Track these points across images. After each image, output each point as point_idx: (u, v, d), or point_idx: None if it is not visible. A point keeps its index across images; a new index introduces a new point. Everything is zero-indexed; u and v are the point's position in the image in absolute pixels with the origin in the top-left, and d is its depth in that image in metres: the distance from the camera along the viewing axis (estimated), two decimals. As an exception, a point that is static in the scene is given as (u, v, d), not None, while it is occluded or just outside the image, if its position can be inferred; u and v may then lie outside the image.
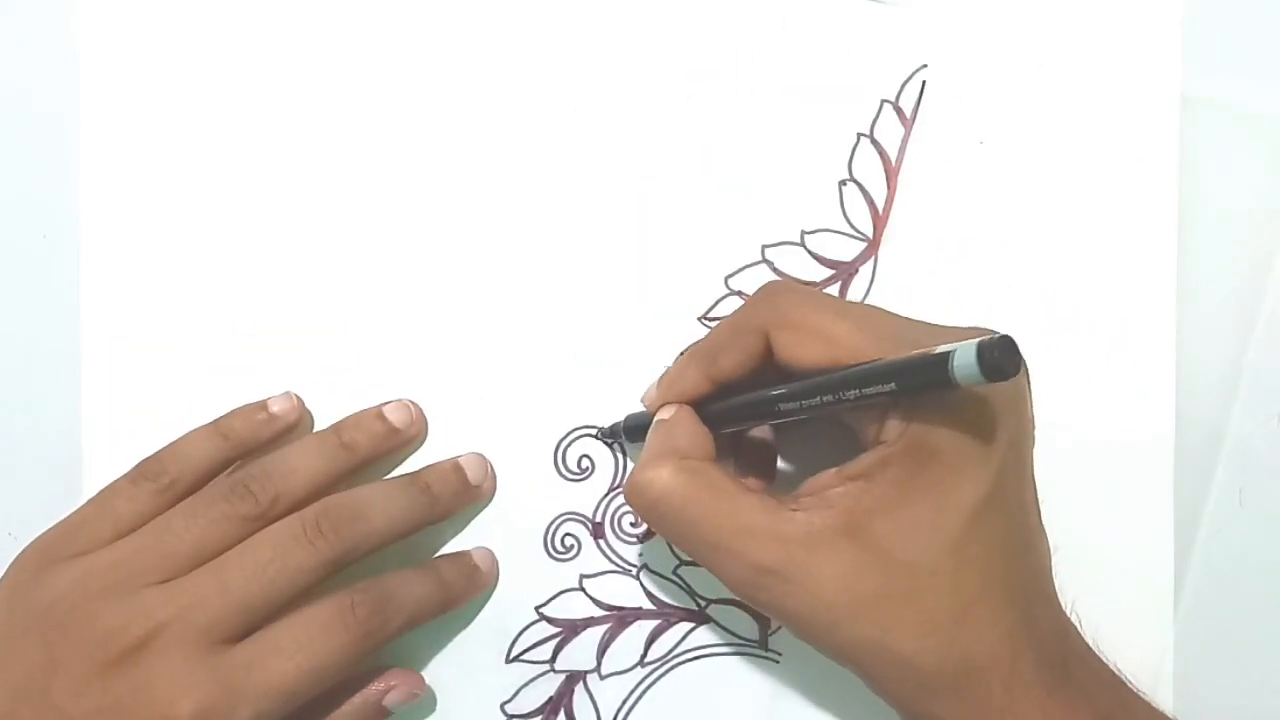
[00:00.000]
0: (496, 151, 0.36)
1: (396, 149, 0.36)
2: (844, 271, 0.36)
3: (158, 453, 0.34)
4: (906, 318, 0.30)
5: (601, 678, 0.36)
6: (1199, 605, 0.34)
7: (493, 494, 0.36)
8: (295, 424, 0.35)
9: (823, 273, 0.36)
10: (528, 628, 0.36)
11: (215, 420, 0.35)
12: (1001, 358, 0.24)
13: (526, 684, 0.36)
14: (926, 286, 0.36)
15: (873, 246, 0.36)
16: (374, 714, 0.34)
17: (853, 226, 0.36)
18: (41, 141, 0.37)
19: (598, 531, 0.36)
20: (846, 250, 0.37)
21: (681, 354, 0.35)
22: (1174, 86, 0.36)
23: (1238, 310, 0.36)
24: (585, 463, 0.36)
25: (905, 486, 0.28)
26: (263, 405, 0.35)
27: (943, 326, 0.30)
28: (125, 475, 0.34)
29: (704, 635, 0.36)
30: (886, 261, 0.36)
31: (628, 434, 0.35)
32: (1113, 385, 0.35)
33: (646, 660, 0.36)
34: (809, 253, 0.36)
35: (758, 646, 0.36)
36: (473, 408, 0.36)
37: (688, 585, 0.36)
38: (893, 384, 0.27)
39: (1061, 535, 0.33)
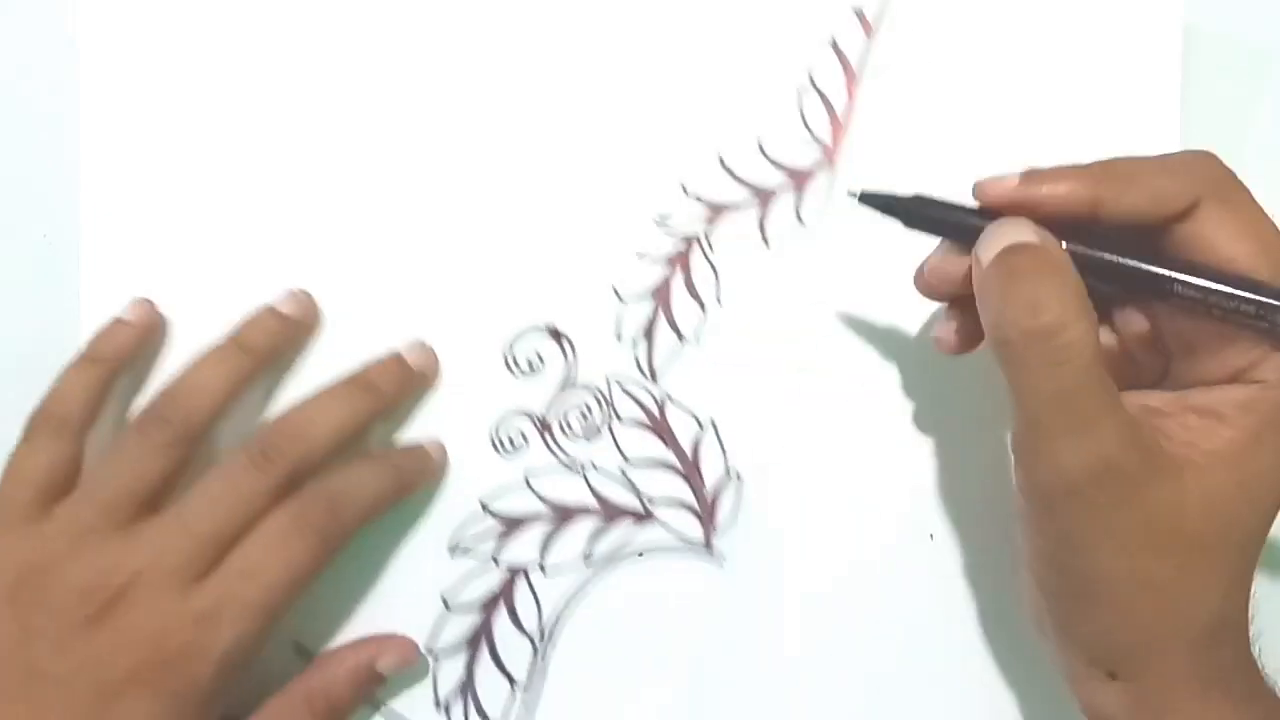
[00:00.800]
0: (452, 53, 0.36)
1: (401, 134, 0.36)
2: (800, 179, 0.37)
3: (40, 402, 0.34)
4: None
5: (544, 573, 0.36)
6: None
7: (436, 377, 0.36)
8: (155, 327, 0.35)
9: (779, 178, 0.37)
10: (471, 520, 0.36)
11: (81, 351, 0.35)
12: None
13: (468, 576, 0.36)
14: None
15: (830, 154, 0.37)
16: (367, 679, 0.34)
17: (810, 133, 0.37)
18: (41, 141, 0.37)
19: (545, 428, 0.36)
20: (803, 157, 0.37)
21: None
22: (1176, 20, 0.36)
23: None
24: (535, 360, 0.36)
25: (1257, 439, 0.27)
26: (117, 320, 0.35)
27: None
28: (20, 438, 0.34)
29: (649, 535, 0.36)
30: (845, 171, 0.36)
31: (910, 213, 0.30)
32: None
33: (589, 557, 0.36)
34: (765, 157, 0.37)
35: (702, 547, 0.36)
36: (423, 304, 0.36)
37: (634, 485, 0.36)
38: None
39: None
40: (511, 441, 0.36)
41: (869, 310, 0.36)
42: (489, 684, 0.36)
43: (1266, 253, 0.27)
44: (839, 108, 0.36)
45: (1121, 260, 0.28)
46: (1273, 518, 0.28)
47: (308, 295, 0.36)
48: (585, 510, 0.36)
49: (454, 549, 0.36)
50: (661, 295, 0.36)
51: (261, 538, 0.32)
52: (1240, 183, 0.29)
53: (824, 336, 0.36)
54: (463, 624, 0.36)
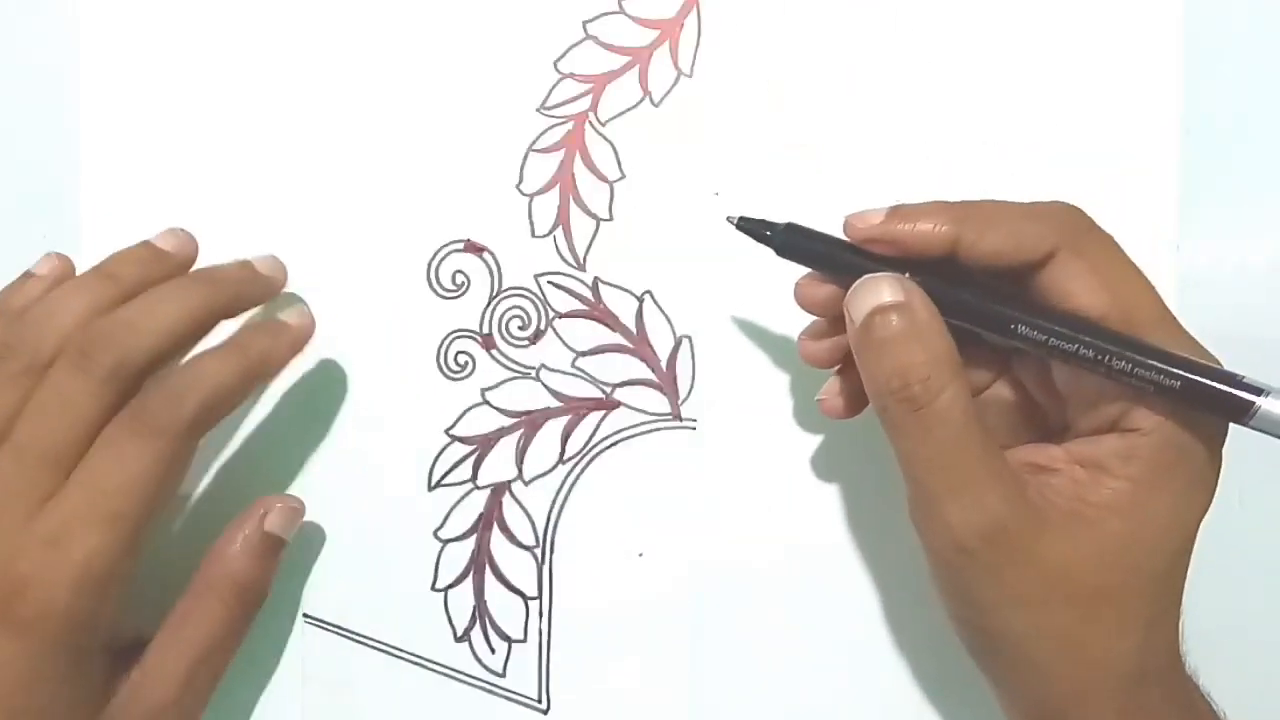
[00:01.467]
0: None
1: (401, 131, 0.36)
2: (669, 29, 0.36)
3: None
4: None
5: (525, 483, 0.36)
6: (1199, 605, 0.33)
7: (283, 285, 0.34)
8: (47, 276, 0.33)
9: (649, 34, 0.36)
10: (442, 451, 0.36)
11: None
12: None
13: (454, 506, 0.36)
14: (756, 30, 0.36)
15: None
16: (264, 544, 0.33)
17: (667, -20, 0.36)
18: (41, 141, 0.37)
19: (488, 343, 0.36)
20: (667, 7, 0.36)
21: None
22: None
23: (1237, 310, 0.35)
24: (460, 278, 0.36)
25: (1144, 487, 0.27)
26: (28, 273, 0.33)
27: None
28: None
29: (617, 420, 0.36)
30: (709, 10, 0.36)
31: (783, 243, 0.30)
32: None
33: (566, 457, 0.36)
34: (629, 18, 0.36)
35: (671, 418, 0.36)
36: (339, 236, 0.36)
37: (590, 375, 0.36)
38: (1179, 382, 0.26)
39: None
40: (459, 363, 0.36)
41: (766, 149, 0.36)
42: (502, 605, 0.36)
43: (1118, 304, 0.27)
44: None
45: (966, 297, 0.28)
46: (1178, 559, 0.28)
47: (188, 233, 0.34)
48: (549, 412, 0.36)
49: (434, 484, 0.36)
50: (565, 181, 0.36)
51: (100, 447, 0.29)
52: (1104, 235, 0.29)
53: (730, 177, 0.36)
54: (461, 553, 0.36)
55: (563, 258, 0.36)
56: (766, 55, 0.36)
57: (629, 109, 0.36)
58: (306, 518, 0.35)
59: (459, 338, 0.36)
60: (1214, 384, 0.26)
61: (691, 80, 0.36)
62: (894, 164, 0.36)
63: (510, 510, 0.36)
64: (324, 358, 0.36)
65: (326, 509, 0.36)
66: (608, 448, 0.36)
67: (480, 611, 0.36)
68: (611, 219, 0.36)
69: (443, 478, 0.36)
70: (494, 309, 0.36)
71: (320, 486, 0.36)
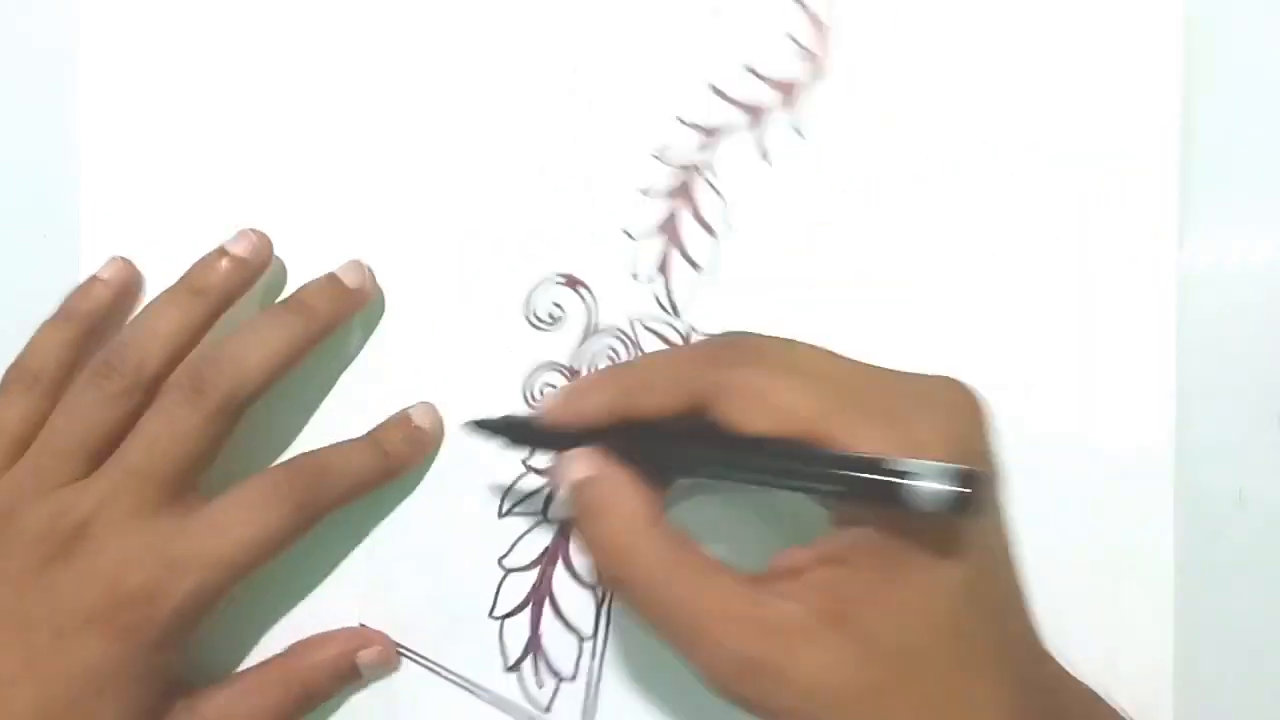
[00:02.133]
0: (443, 10, 0.36)
1: (401, 130, 0.37)
2: (793, 91, 0.36)
3: (16, 358, 0.35)
4: (874, 370, 0.28)
5: (595, 522, 0.36)
6: (1199, 605, 0.34)
7: (374, 294, 0.36)
8: (129, 282, 0.36)
9: (772, 94, 0.36)
10: (516, 481, 0.36)
11: (58, 309, 0.35)
12: (964, 495, 0.23)
13: (521, 537, 0.36)
14: (879, 101, 0.36)
15: (820, 62, 0.36)
16: (347, 672, 0.35)
17: (797, 44, 0.36)
18: (41, 141, 0.37)
19: (575, 377, 0.36)
20: (793, 70, 0.36)
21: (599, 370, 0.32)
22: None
23: (1238, 310, 0.35)
24: (556, 311, 0.36)
25: (887, 572, 0.26)
26: (92, 278, 0.36)
27: (921, 382, 0.28)
28: None
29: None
30: (836, 77, 0.36)
31: (509, 436, 0.32)
32: (1112, 386, 0.35)
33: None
34: (755, 75, 0.36)
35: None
36: (436, 269, 0.36)
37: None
38: (841, 486, 0.25)
39: (1061, 537, 0.33)
40: (544, 396, 0.36)
41: (875, 218, 0.36)
42: (557, 640, 0.36)
43: (780, 416, 0.26)
44: (822, 15, 0.36)
45: (656, 449, 0.29)
46: (941, 633, 0.26)
47: (259, 234, 0.35)
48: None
49: (504, 512, 0.36)
50: (671, 229, 0.36)
51: (239, 493, 0.32)
52: (755, 354, 0.28)
53: (834, 250, 0.36)
54: (522, 584, 0.36)
55: (659, 303, 0.36)
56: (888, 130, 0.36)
57: (743, 165, 0.36)
58: (377, 525, 0.36)
59: (546, 370, 0.36)
60: (861, 485, 0.25)
61: (804, 143, 0.36)
62: (894, 164, 0.36)
63: (577, 548, 0.36)
64: (411, 370, 0.36)
65: (395, 522, 0.36)
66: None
67: (534, 644, 0.36)
68: (714, 271, 0.36)
69: (514, 507, 0.36)
70: (586, 346, 0.36)
71: (392, 499, 0.36)
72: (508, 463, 0.36)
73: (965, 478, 0.24)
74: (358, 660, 0.35)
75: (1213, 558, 0.30)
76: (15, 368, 0.34)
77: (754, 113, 0.36)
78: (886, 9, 0.36)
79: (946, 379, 0.28)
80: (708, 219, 0.36)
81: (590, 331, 0.36)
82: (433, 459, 0.36)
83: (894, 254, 0.36)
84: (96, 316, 0.35)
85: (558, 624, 0.36)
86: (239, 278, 0.35)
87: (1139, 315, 0.35)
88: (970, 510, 0.24)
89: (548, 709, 0.36)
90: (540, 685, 0.36)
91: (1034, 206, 0.35)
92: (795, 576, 0.27)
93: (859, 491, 0.25)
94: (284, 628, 0.36)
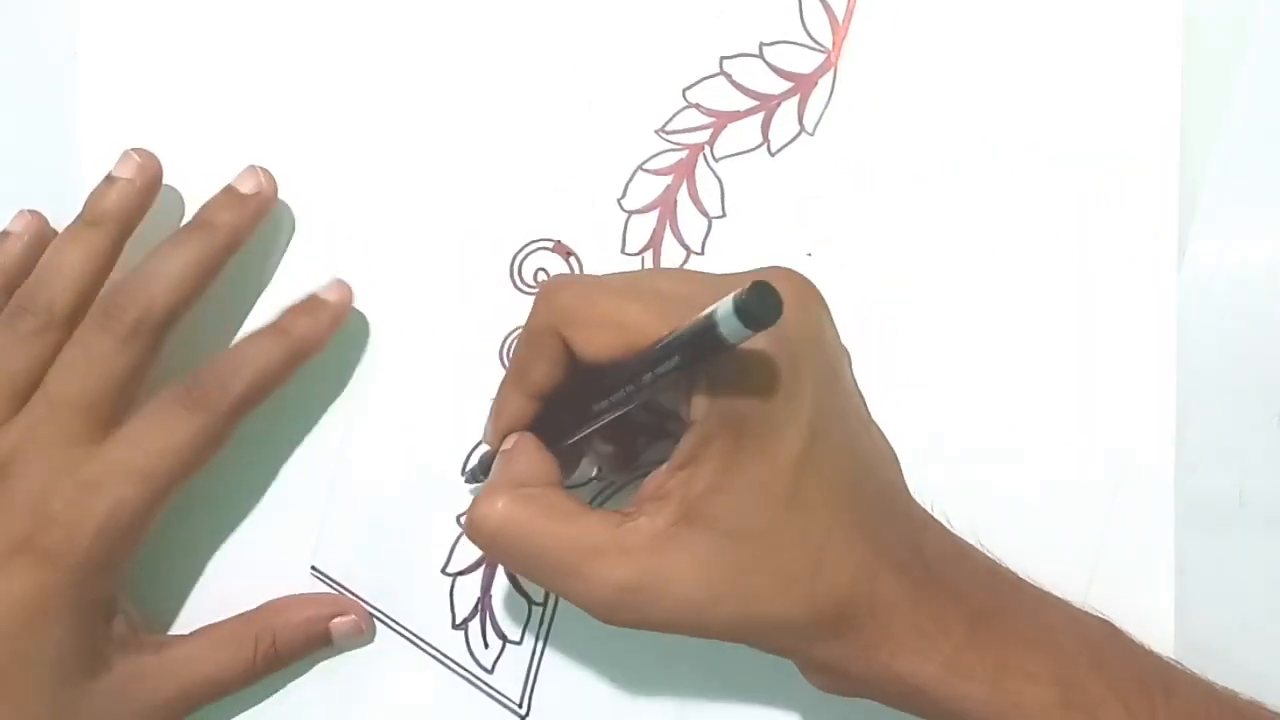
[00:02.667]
0: None
1: (400, 136, 0.37)
2: (802, 84, 0.36)
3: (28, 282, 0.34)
4: (709, 276, 0.30)
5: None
6: (1199, 605, 0.34)
7: (274, 199, 0.35)
8: (39, 233, 0.35)
9: (781, 85, 0.36)
10: (480, 444, 0.36)
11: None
12: (757, 305, 0.23)
13: (483, 496, 0.36)
14: (888, 102, 0.36)
15: (831, 59, 0.36)
16: (318, 635, 0.35)
17: (811, 38, 0.36)
18: (41, 141, 0.37)
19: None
20: (805, 63, 0.36)
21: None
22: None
23: (1238, 310, 0.35)
24: (542, 275, 0.36)
25: (728, 459, 0.27)
26: (4, 231, 0.35)
27: (740, 275, 0.29)
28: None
29: (661, 449, 0.36)
30: (846, 75, 0.36)
31: (485, 472, 0.33)
32: (1113, 386, 0.35)
33: (601, 474, 0.36)
34: (767, 64, 0.36)
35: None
36: (424, 224, 0.36)
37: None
38: (676, 358, 0.26)
39: (1062, 536, 0.34)
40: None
41: (874, 217, 0.36)
42: (507, 604, 0.36)
43: (626, 332, 0.28)
44: (839, 11, 0.36)
45: (560, 415, 0.30)
46: (792, 496, 0.27)
47: (144, 153, 0.35)
48: (597, 425, 0.36)
49: (468, 473, 0.36)
50: (667, 206, 0.36)
51: (147, 412, 0.32)
52: (581, 285, 0.30)
53: (833, 250, 0.36)
54: (477, 544, 0.36)
55: (646, 278, 0.36)
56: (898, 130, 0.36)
57: (745, 152, 0.36)
58: (336, 469, 0.36)
59: (527, 333, 0.36)
60: (686, 334, 0.25)
61: (812, 139, 0.36)
62: (894, 165, 0.36)
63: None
64: (393, 330, 0.36)
65: (358, 472, 0.36)
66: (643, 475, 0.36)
67: (484, 605, 0.36)
68: (703, 253, 0.36)
69: (479, 470, 0.36)
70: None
71: (359, 450, 0.36)
72: (477, 423, 0.36)
73: (752, 291, 0.23)
74: (331, 627, 0.34)
75: (1213, 558, 0.30)
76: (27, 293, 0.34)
77: (763, 101, 0.36)
78: (891, 9, 0.36)
79: (777, 268, 0.29)
80: (703, 200, 0.36)
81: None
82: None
83: (894, 253, 0.35)
84: (9, 271, 0.34)
85: (509, 588, 0.36)
86: (133, 202, 0.34)
87: (1139, 315, 0.35)
88: (767, 317, 0.23)
89: (490, 670, 0.35)
90: (486, 646, 0.35)
91: (1034, 206, 0.35)
92: (656, 495, 0.28)
93: (689, 352, 0.25)
94: (237, 569, 0.36)
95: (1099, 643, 0.29)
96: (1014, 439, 0.35)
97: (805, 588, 0.28)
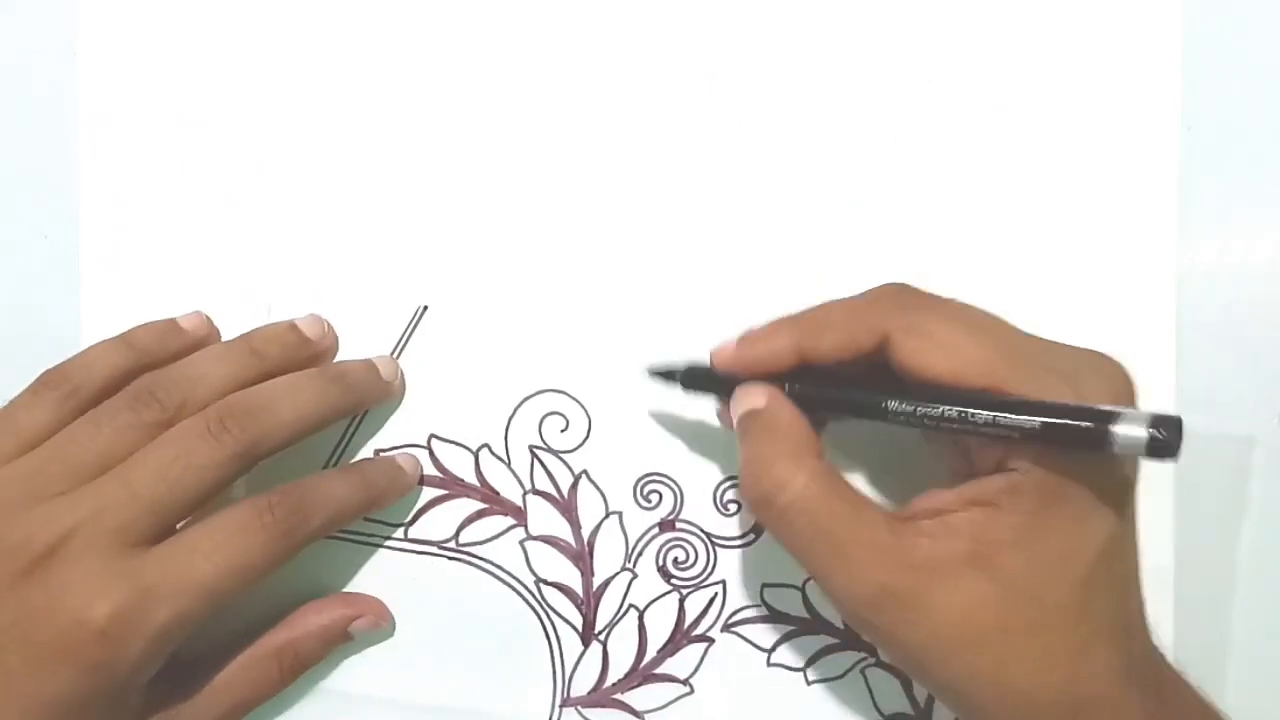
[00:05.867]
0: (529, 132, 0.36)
1: (391, 127, 0.36)
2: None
3: (61, 363, 0.33)
4: (1038, 337, 0.30)
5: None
6: (1199, 605, 0.34)
7: (402, 396, 0.36)
8: (204, 339, 0.35)
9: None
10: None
11: (122, 333, 0.34)
12: (1171, 439, 0.24)
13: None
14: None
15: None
16: (338, 638, 0.35)
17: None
18: (41, 141, 0.37)
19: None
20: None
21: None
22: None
23: (1238, 310, 0.35)
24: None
25: (1037, 518, 0.27)
26: (172, 321, 0.35)
27: (1077, 351, 0.29)
28: (27, 388, 0.33)
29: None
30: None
31: (686, 380, 0.33)
32: None
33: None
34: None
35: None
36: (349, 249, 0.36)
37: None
38: (1038, 424, 0.26)
39: None
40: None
41: (874, 217, 0.36)
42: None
43: (967, 365, 0.28)
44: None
45: (833, 393, 0.30)
46: (1083, 588, 0.28)
47: (329, 324, 0.36)
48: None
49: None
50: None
51: (220, 520, 0.31)
52: (930, 302, 0.30)
53: (832, 250, 0.36)
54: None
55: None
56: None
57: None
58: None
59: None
60: (1067, 421, 0.26)
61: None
62: (893, 165, 0.36)
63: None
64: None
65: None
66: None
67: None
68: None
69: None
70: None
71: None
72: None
73: (1166, 423, 0.24)
74: (350, 629, 0.35)
75: (1213, 558, 0.30)
76: (56, 372, 0.33)
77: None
78: (884, 9, 0.36)
79: (1101, 353, 0.29)
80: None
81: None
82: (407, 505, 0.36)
83: (894, 253, 0.36)
84: (159, 356, 0.34)
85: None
86: (298, 354, 0.35)
87: (1139, 315, 0.35)
88: (1171, 454, 0.24)
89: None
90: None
91: (1034, 206, 0.35)
92: (938, 517, 0.28)
93: (1056, 435, 0.26)
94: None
95: None
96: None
97: (1066, 671, 0.28)
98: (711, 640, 0.35)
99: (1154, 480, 0.34)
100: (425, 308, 0.36)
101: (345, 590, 0.36)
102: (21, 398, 0.33)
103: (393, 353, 0.36)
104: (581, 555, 0.35)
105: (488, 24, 0.36)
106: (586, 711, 0.35)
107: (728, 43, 0.36)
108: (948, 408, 0.28)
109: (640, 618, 0.35)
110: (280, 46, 0.37)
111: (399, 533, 0.36)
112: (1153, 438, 0.24)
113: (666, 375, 0.33)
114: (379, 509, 0.35)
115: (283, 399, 0.32)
